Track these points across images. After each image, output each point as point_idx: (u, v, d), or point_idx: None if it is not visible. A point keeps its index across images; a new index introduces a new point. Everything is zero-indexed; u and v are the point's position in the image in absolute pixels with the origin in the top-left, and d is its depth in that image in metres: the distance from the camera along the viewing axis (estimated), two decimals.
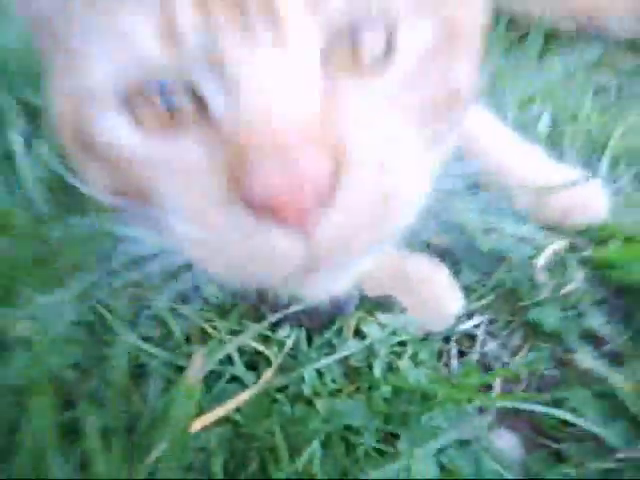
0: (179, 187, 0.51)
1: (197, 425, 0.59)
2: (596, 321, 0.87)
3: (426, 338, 0.83)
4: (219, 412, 0.62)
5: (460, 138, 0.84)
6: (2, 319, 0.69)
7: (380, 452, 0.70)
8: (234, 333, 0.73)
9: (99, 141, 0.54)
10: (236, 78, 0.47)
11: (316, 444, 0.66)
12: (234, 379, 0.71)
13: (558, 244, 0.91)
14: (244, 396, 0.64)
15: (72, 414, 0.63)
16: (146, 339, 0.73)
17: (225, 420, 0.67)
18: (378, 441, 0.69)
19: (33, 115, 1.03)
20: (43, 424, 0.57)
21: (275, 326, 0.77)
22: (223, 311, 0.74)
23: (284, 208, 0.46)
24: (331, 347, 0.78)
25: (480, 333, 0.87)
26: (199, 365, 0.57)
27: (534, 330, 0.87)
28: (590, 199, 0.97)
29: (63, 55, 0.55)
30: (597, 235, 0.94)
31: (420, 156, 0.55)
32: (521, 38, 1.40)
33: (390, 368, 0.77)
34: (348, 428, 0.68)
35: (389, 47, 0.52)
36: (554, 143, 1.12)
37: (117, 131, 0.53)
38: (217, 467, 0.65)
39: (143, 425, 0.62)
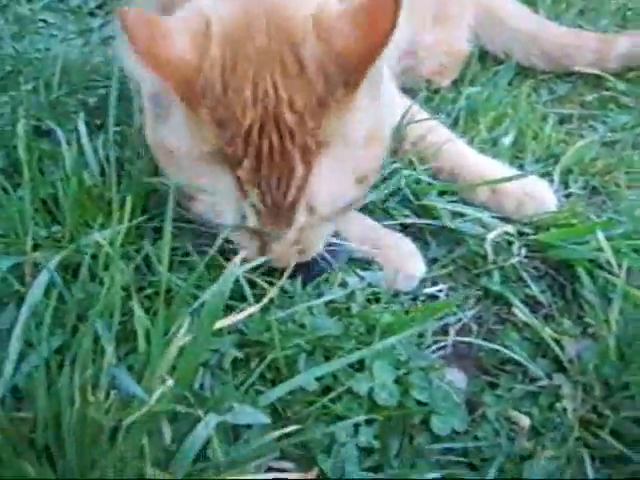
0: None
1: (218, 325, 0.80)
2: (536, 289, 1.08)
3: (396, 295, 1.05)
4: (233, 319, 0.83)
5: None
6: None
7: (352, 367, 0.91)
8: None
9: None
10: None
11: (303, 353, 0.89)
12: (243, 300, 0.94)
13: (507, 227, 1.13)
14: (250, 311, 0.86)
15: None
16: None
17: (235, 329, 0.89)
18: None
19: (90, 113, 1.28)
20: None
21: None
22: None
23: None
24: (319, 292, 1.00)
25: (442, 296, 1.09)
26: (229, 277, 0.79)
27: (485, 294, 1.09)
28: (541, 193, 1.19)
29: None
30: (541, 222, 1.15)
31: None
32: (495, 73, 1.64)
33: (365, 308, 0.99)
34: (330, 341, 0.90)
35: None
36: (516, 156, 1.34)
37: None
38: (227, 364, 0.87)
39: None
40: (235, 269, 0.80)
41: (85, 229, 0.98)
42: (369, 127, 0.92)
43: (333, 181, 0.91)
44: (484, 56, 1.69)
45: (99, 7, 1.88)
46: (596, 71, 1.65)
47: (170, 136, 0.89)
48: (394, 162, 1.21)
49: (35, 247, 0.96)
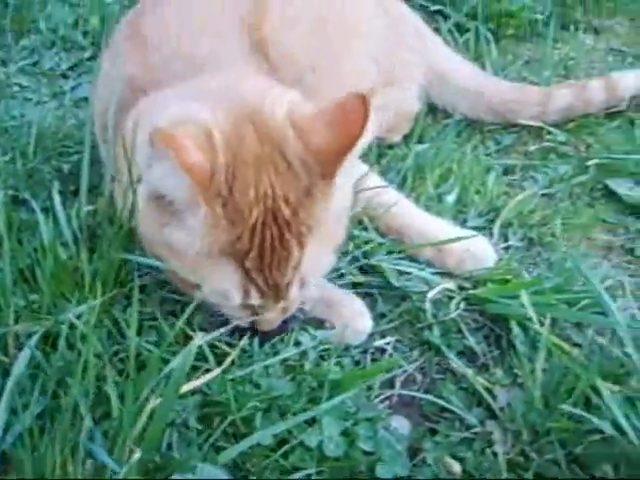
0: None
1: (185, 387, 0.91)
2: (473, 341, 1.20)
3: (347, 349, 1.17)
4: (197, 383, 0.94)
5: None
6: None
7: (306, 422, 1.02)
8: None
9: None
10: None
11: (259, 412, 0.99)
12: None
13: (448, 284, 1.24)
14: (212, 374, 0.97)
15: None
16: None
17: (199, 391, 1.00)
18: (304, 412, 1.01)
19: (64, 179, 1.38)
20: None
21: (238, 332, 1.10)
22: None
23: None
24: (275, 351, 1.11)
25: (389, 348, 1.20)
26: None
27: (428, 347, 1.20)
28: (480, 250, 1.31)
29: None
30: (480, 278, 1.27)
31: None
32: (444, 126, 1.76)
33: (317, 365, 1.09)
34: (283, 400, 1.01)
35: None
36: (460, 211, 1.46)
37: None
38: (193, 422, 0.98)
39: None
40: (199, 340, 0.91)
41: (62, 300, 1.08)
42: (343, 203, 1.09)
43: (318, 256, 1.07)
44: (434, 110, 1.81)
45: (71, 69, 1.98)
46: (538, 123, 1.77)
47: (182, 236, 1.01)
48: None
49: (16, 317, 1.07)
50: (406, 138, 1.70)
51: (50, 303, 1.08)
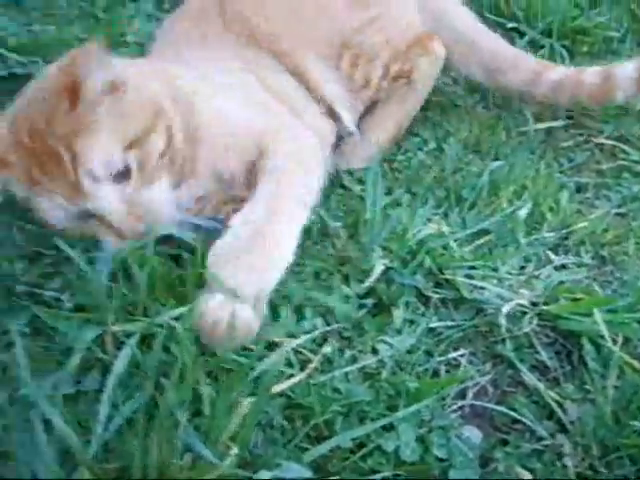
0: None
1: (276, 388, 0.98)
2: (545, 356, 1.23)
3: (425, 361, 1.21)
4: (285, 384, 1.01)
5: None
6: None
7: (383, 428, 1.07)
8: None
9: None
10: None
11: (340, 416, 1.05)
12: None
13: (521, 299, 1.28)
14: (298, 378, 1.04)
15: None
16: None
17: (282, 394, 1.06)
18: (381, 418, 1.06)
19: None
20: None
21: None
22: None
23: None
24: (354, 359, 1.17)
25: (463, 360, 1.24)
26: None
27: (501, 360, 1.24)
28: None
29: None
30: (552, 294, 1.30)
31: None
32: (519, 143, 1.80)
33: (394, 374, 1.15)
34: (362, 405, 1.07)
35: None
36: (533, 227, 1.50)
37: None
38: (277, 422, 1.04)
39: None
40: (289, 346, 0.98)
41: (156, 303, 1.16)
42: None
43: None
44: (508, 125, 1.85)
45: None
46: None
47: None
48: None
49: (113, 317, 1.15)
50: (480, 155, 1.74)
51: (147, 305, 1.15)
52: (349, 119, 1.66)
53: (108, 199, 1.19)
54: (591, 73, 1.81)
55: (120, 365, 1.00)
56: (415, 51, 1.71)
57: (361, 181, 1.61)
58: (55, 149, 1.16)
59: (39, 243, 1.31)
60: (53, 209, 1.21)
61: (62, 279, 1.26)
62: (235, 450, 0.85)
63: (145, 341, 1.11)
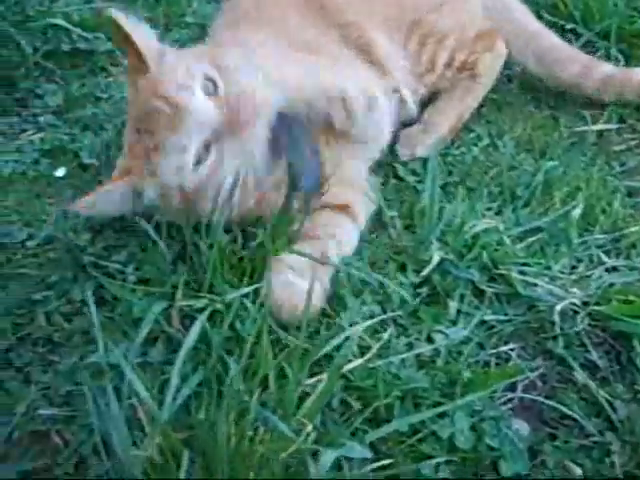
0: None
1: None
2: (595, 355, 1.26)
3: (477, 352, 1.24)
4: (347, 367, 1.05)
5: None
6: None
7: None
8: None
9: None
10: None
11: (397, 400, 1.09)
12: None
13: (574, 298, 1.30)
14: (359, 361, 1.07)
15: None
16: None
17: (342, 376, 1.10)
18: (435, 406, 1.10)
19: None
20: None
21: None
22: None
23: None
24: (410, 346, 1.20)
25: (513, 354, 1.27)
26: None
27: (550, 356, 1.27)
28: None
29: None
30: (604, 294, 1.32)
31: None
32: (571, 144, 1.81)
33: (447, 363, 1.18)
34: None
35: None
36: (586, 229, 1.51)
37: None
38: (336, 404, 1.07)
39: None
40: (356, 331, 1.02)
41: (220, 282, 1.19)
42: None
43: None
44: (557, 124, 1.87)
45: None
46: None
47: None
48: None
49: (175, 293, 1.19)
50: (533, 155, 1.76)
51: (212, 282, 1.19)
52: (412, 100, 1.70)
53: None
54: None
55: (191, 339, 1.03)
56: (481, 44, 1.76)
57: (415, 172, 1.64)
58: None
59: None
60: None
61: (127, 252, 1.31)
62: (310, 427, 0.89)
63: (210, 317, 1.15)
